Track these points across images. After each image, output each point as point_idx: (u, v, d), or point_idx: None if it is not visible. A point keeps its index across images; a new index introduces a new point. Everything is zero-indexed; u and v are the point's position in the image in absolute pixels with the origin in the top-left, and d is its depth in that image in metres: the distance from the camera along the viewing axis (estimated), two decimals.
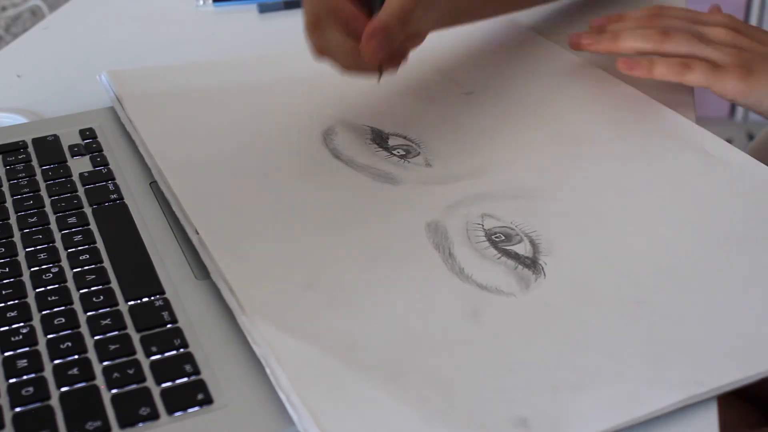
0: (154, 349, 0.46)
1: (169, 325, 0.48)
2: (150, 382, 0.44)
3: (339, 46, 0.59)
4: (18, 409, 0.43)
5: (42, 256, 0.53)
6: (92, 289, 0.50)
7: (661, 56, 0.66)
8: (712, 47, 0.66)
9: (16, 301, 0.49)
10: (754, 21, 1.90)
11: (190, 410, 0.43)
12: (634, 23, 0.71)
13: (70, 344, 0.46)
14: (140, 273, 0.51)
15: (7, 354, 0.46)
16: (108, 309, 0.49)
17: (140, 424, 0.42)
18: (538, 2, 0.83)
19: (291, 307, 0.48)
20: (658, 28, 0.67)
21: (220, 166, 0.60)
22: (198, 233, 0.53)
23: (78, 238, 0.54)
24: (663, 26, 0.68)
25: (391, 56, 0.59)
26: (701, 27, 0.68)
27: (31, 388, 0.44)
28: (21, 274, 0.52)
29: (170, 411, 0.43)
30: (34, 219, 0.56)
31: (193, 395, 0.43)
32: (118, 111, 0.67)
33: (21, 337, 0.47)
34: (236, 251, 0.52)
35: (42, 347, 0.46)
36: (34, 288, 0.50)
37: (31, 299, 0.50)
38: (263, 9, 0.91)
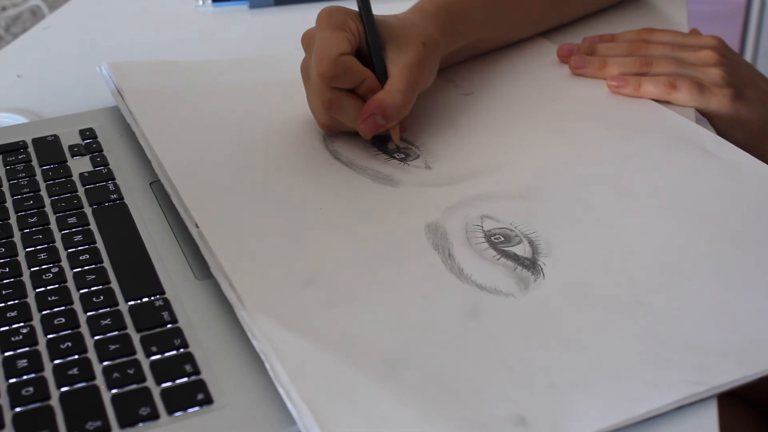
0: (154, 349, 0.46)
1: (169, 325, 0.48)
2: (150, 382, 0.44)
3: (351, 120, 0.60)
4: (18, 409, 0.43)
5: (42, 256, 0.53)
6: (92, 289, 0.50)
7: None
8: (696, 70, 0.68)
9: (16, 301, 0.49)
10: (754, 21, 1.90)
11: (190, 410, 0.43)
12: (623, 48, 0.73)
13: (70, 344, 0.46)
14: (140, 273, 0.52)
15: (7, 354, 0.46)
16: (108, 309, 0.49)
17: (140, 424, 0.42)
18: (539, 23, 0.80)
19: (291, 303, 0.48)
20: (641, 57, 0.70)
21: (221, 161, 0.60)
22: (198, 227, 0.53)
23: (78, 238, 0.54)
24: (648, 54, 0.71)
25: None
26: (688, 51, 0.70)
27: (31, 388, 0.44)
28: (21, 274, 0.52)
29: (170, 411, 0.43)
30: (34, 219, 0.56)
31: (193, 395, 0.43)
32: (118, 103, 0.67)
33: (21, 337, 0.47)
34: (236, 246, 0.52)
35: (42, 347, 0.46)
36: (34, 288, 0.50)
37: (31, 299, 0.50)
38: (253, 5, 0.91)
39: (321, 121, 0.62)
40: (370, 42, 0.60)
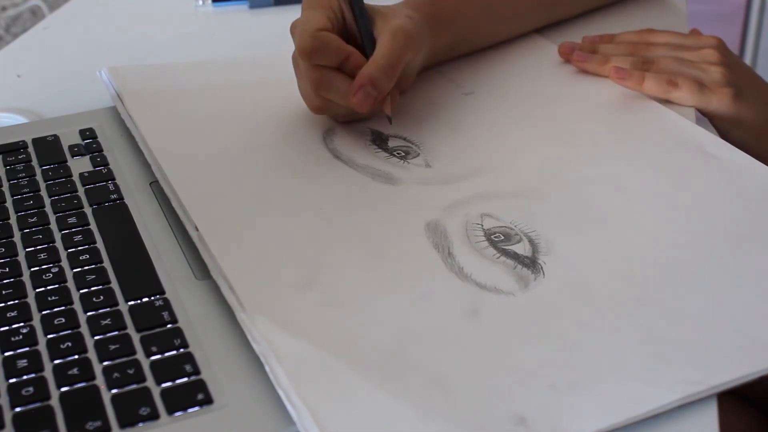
0: (154, 349, 0.46)
1: (169, 325, 0.48)
2: (150, 382, 0.44)
3: (342, 97, 0.60)
4: (18, 409, 0.43)
5: (42, 256, 0.53)
6: (92, 289, 0.50)
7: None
8: (697, 68, 0.68)
9: (16, 301, 0.49)
10: (754, 21, 1.90)
11: (190, 410, 0.43)
12: (624, 48, 0.73)
13: (70, 344, 0.46)
14: (140, 273, 0.52)
15: (7, 354, 0.46)
16: (108, 309, 0.49)
17: (140, 424, 0.42)
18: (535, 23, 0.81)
19: (290, 305, 0.48)
20: (642, 57, 0.70)
21: (220, 163, 0.60)
22: (197, 230, 0.53)
23: (78, 238, 0.54)
24: (649, 54, 0.71)
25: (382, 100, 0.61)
26: (688, 51, 0.70)
27: (31, 388, 0.44)
28: (21, 274, 0.52)
29: (170, 411, 0.43)
30: (34, 219, 0.56)
31: (193, 395, 0.43)
32: (118, 107, 0.67)
33: (21, 337, 0.47)
34: (236, 248, 0.52)
35: (42, 347, 0.46)
36: (34, 288, 0.50)
37: (31, 299, 0.50)
38: (253, 5, 0.92)
39: (312, 104, 0.63)
40: (357, 16, 0.61)
